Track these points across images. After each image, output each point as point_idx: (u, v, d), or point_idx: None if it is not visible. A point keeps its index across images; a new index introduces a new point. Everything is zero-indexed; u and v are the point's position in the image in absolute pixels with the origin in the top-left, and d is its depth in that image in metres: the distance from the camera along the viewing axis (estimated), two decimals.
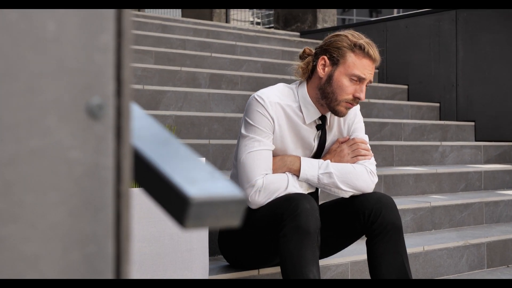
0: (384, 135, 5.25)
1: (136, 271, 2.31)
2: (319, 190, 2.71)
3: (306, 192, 2.58)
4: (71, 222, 0.50)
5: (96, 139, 0.53)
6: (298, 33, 7.75)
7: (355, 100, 2.52)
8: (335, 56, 2.53)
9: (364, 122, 5.05)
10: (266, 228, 2.46)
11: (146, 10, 11.01)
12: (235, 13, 12.37)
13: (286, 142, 2.58)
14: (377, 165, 4.61)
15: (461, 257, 3.57)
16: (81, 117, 0.53)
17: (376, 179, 2.62)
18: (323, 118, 2.64)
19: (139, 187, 2.36)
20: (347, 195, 2.57)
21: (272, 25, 8.73)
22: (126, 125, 0.55)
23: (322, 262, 2.93)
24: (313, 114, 2.60)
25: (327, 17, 7.93)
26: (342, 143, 2.67)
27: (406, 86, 6.54)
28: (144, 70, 4.80)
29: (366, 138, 2.72)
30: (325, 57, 2.55)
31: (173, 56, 5.42)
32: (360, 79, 2.50)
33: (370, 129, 5.16)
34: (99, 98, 0.54)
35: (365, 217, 2.52)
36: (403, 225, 3.72)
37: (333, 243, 2.70)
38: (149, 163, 0.59)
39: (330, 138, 2.68)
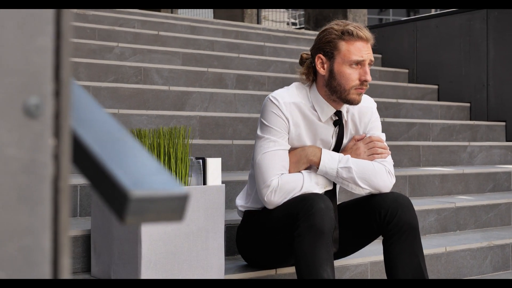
0: (411, 135, 5.22)
1: (151, 270, 2.35)
2: (337, 188, 2.71)
3: (323, 190, 2.58)
4: (6, 216, 0.52)
5: (33, 137, 0.55)
6: None
7: (363, 83, 2.54)
8: (328, 51, 2.55)
9: (392, 122, 5.07)
10: (282, 228, 2.47)
11: (178, 11, 11.09)
12: (268, 13, 12.39)
13: (303, 140, 2.60)
14: (403, 166, 4.61)
15: (485, 258, 3.53)
16: (18, 115, 0.55)
17: (393, 180, 2.61)
18: (339, 114, 2.65)
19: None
20: (363, 193, 2.57)
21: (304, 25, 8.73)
22: (65, 124, 0.57)
23: (341, 262, 2.94)
24: (327, 111, 2.61)
25: (358, 17, 7.90)
26: (358, 140, 2.67)
27: (436, 86, 6.49)
28: (171, 71, 4.86)
29: (383, 136, 2.72)
30: (320, 55, 2.58)
31: (201, 57, 5.47)
32: (359, 63, 2.52)
33: (397, 130, 5.14)
34: (36, 98, 0.56)
35: (381, 217, 2.52)
36: (427, 226, 3.70)
37: (351, 243, 2.70)
38: (93, 157, 0.61)
39: (347, 135, 2.68)
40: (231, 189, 3.33)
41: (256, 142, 2.59)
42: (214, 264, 2.51)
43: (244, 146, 3.93)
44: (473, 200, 4.12)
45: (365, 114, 2.72)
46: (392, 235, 2.51)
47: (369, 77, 2.52)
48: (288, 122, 2.57)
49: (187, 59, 5.38)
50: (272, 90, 5.16)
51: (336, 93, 2.56)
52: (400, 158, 4.64)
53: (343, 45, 2.53)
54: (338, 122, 2.64)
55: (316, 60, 2.59)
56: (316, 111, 2.61)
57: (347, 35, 2.52)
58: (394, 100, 5.72)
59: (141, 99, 4.30)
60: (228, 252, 2.95)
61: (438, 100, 6.44)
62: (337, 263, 2.95)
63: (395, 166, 4.59)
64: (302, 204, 2.40)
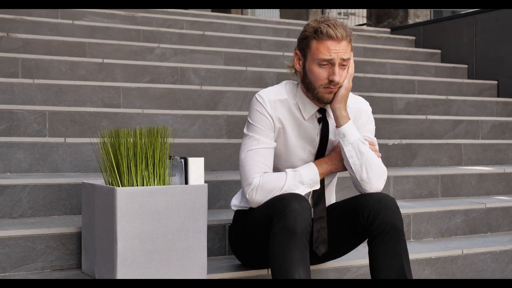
0: (458, 133, 5.04)
1: (127, 268, 2.38)
2: (325, 188, 2.66)
3: (309, 189, 2.54)
4: None
5: None
6: (389, 30, 7.56)
7: (331, 83, 2.49)
8: (303, 47, 2.53)
9: (436, 120, 4.90)
10: (260, 227, 2.45)
11: (248, 11, 11.13)
12: (333, 10, 12.21)
13: (289, 137, 2.58)
14: (441, 164, 4.45)
15: (509, 262, 3.36)
16: None
17: (381, 186, 2.56)
18: (323, 111, 2.60)
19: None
20: (357, 177, 2.52)
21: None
22: None
23: (343, 263, 2.89)
24: (309, 109, 2.58)
25: (419, 11, 7.68)
26: None
27: (495, 82, 6.23)
28: (209, 71, 4.89)
29: (374, 140, 2.67)
30: (297, 51, 2.57)
31: (244, 56, 5.48)
32: (329, 62, 2.47)
33: (442, 128, 4.99)
34: None
35: (365, 218, 2.46)
36: (452, 228, 3.58)
37: (341, 243, 2.64)
38: None
39: (334, 131, 2.62)
40: None
41: (242, 140, 2.59)
42: (195, 263, 2.51)
43: None
44: (508, 200, 3.93)
45: (360, 116, 2.67)
46: (375, 236, 2.44)
47: (336, 78, 2.47)
48: (273, 120, 2.55)
49: (230, 58, 5.40)
50: None
51: (309, 90, 2.54)
52: (439, 157, 4.49)
53: (313, 43, 2.49)
54: (321, 119, 2.60)
55: (294, 55, 2.58)
56: (300, 108, 2.58)
57: (319, 33, 2.47)
58: (443, 97, 5.53)
59: (172, 99, 4.36)
60: (226, 252, 2.95)
61: (498, 96, 6.18)
62: (339, 264, 2.90)
63: (432, 164, 4.46)
64: (277, 204, 2.38)
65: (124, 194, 2.38)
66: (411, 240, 3.48)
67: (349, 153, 2.52)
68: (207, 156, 3.70)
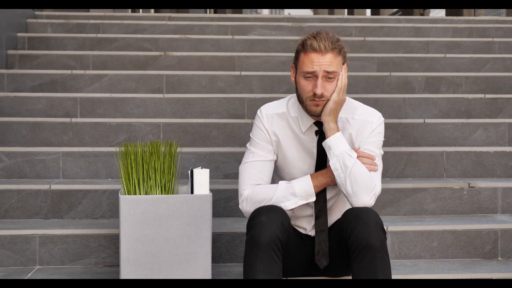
0: None
1: (130, 267, 2.66)
2: (332, 200, 2.65)
3: (303, 201, 2.55)
4: None
5: None
6: None
7: (315, 96, 2.49)
8: (295, 61, 2.57)
9: None
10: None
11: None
12: None
13: (289, 150, 2.63)
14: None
15: None
16: None
17: (371, 202, 2.49)
18: (319, 124, 2.60)
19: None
20: (343, 190, 2.50)
21: None
22: None
23: None
24: (306, 122, 2.61)
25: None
26: None
27: None
28: (349, 77, 4.92)
29: (377, 152, 2.58)
30: (292, 64, 2.61)
31: (399, 60, 5.38)
32: (313, 74, 2.48)
33: None
34: None
35: (346, 234, 2.43)
36: None
37: (340, 259, 2.61)
38: None
39: None
40: None
41: None
42: (199, 268, 2.69)
43: (392, 154, 3.88)
44: None
45: (364, 128, 2.62)
46: (352, 253, 2.40)
47: (318, 91, 2.46)
48: (268, 133, 2.63)
49: (384, 63, 5.34)
50: (469, 92, 4.84)
51: (300, 102, 2.57)
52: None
53: (301, 56, 2.52)
54: (318, 132, 2.60)
55: (291, 68, 2.62)
56: (298, 121, 2.62)
57: (306, 46, 2.50)
58: None
59: None
60: None
61: None
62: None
63: None
64: (251, 216, 2.47)
65: (126, 201, 2.66)
66: (499, 258, 3.22)
67: (334, 165, 2.50)
68: None
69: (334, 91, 2.52)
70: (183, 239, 2.69)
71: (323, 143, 2.54)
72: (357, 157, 2.54)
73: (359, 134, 2.61)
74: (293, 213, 2.63)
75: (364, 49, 5.69)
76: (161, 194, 2.71)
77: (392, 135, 4.15)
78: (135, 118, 4.21)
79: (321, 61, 2.48)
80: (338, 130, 2.53)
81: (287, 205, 2.55)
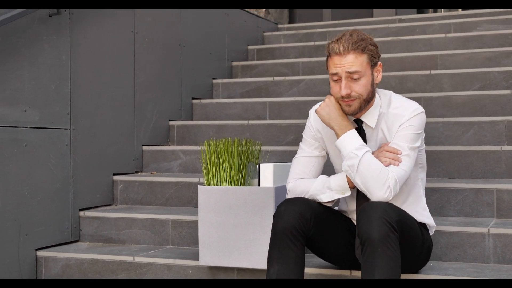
0: None
1: (206, 249, 3.03)
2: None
3: (339, 195, 2.65)
4: None
5: None
6: None
7: (343, 97, 2.58)
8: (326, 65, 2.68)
9: None
10: None
11: None
12: None
13: (330, 147, 2.75)
14: None
15: None
16: None
17: (389, 195, 2.50)
18: (359, 122, 2.67)
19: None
20: (360, 188, 2.57)
21: None
22: None
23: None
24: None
25: None
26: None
27: None
28: None
29: (404, 146, 2.56)
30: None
31: None
32: (337, 76, 2.58)
33: None
34: None
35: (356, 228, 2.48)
36: None
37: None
38: None
39: (374, 140, 2.67)
40: None
41: None
42: (262, 254, 2.94)
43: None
44: None
45: (394, 122, 2.64)
46: (357, 247, 2.44)
47: (343, 92, 2.56)
48: (314, 130, 2.78)
49: None
50: None
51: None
52: None
53: (328, 60, 2.66)
54: (357, 130, 2.66)
55: None
56: None
57: (328, 50, 2.62)
58: None
59: (476, 105, 4.32)
60: None
61: None
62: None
63: None
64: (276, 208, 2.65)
65: (203, 191, 3.04)
66: None
67: (343, 167, 2.57)
68: (445, 163, 3.72)
69: (363, 89, 2.57)
70: (249, 227, 2.97)
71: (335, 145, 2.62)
72: (380, 151, 2.57)
73: (390, 129, 2.63)
74: (346, 207, 2.74)
75: None
76: (232, 186, 3.04)
77: None
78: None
79: (342, 63, 2.57)
80: (351, 128, 2.58)
81: (322, 198, 2.67)
